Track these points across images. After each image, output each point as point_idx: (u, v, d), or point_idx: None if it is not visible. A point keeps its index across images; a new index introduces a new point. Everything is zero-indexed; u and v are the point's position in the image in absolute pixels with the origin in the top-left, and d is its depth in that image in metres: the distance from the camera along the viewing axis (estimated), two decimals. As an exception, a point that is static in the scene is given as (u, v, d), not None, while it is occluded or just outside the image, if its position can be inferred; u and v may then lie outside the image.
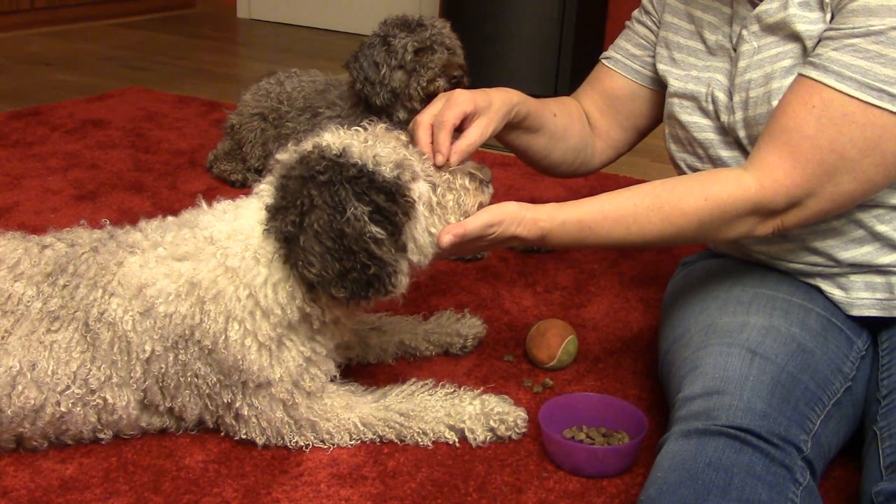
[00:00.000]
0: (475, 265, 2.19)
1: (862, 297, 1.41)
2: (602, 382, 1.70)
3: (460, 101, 1.39)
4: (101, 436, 1.44)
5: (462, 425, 1.48)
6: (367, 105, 2.29)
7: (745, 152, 1.42)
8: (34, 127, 3.07)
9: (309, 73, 2.60)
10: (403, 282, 1.36)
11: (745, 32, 1.40)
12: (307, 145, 1.37)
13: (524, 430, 1.51)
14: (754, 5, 1.40)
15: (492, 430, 1.48)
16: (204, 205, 1.45)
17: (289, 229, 1.30)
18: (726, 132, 1.44)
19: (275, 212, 1.33)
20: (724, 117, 1.43)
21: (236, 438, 1.46)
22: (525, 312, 1.97)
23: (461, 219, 1.39)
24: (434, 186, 1.38)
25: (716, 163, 1.46)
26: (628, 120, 1.68)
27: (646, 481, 1.19)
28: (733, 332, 1.33)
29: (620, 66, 1.66)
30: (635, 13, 1.66)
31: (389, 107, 2.27)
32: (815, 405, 1.26)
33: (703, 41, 1.49)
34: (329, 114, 2.35)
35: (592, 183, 2.81)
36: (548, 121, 1.59)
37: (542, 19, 3.84)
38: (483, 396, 1.52)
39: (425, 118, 1.41)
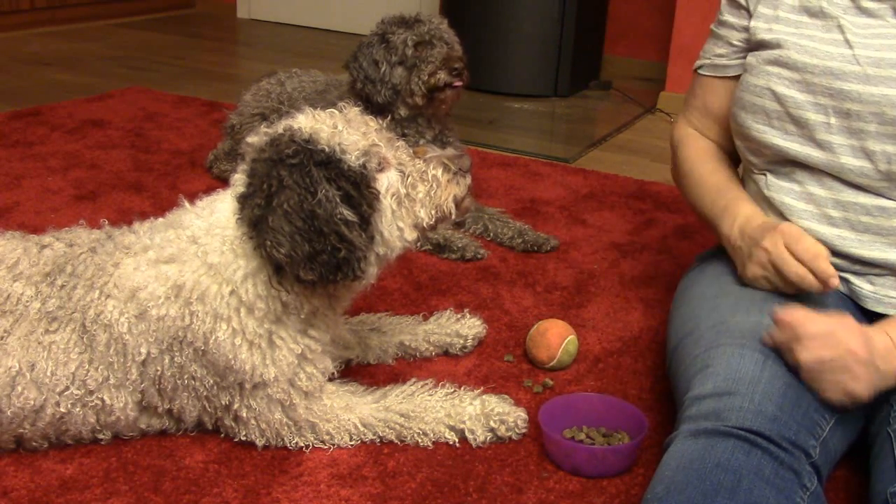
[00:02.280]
0: (475, 265, 2.19)
1: (891, 296, 1.40)
2: (602, 382, 1.70)
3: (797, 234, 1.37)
4: (101, 437, 1.44)
5: (462, 426, 1.48)
6: (367, 105, 2.29)
7: (854, 136, 1.37)
8: (34, 127, 3.07)
9: (309, 74, 2.60)
10: (371, 272, 1.36)
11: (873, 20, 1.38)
12: (279, 127, 1.36)
13: (524, 430, 1.51)
14: None
15: (492, 430, 1.48)
16: (186, 204, 1.45)
17: (255, 213, 1.29)
18: (829, 113, 1.39)
19: (244, 200, 1.32)
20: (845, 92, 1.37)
21: (236, 440, 1.46)
22: (525, 312, 1.97)
23: (432, 212, 1.38)
24: (404, 176, 1.36)
25: (809, 142, 1.41)
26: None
27: (652, 479, 1.19)
28: (746, 333, 1.32)
29: (711, 69, 1.61)
30: (718, 15, 1.61)
31: (391, 104, 2.28)
32: (824, 411, 1.26)
33: (806, 9, 1.45)
34: (329, 114, 2.35)
35: (592, 183, 2.81)
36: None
37: (542, 19, 3.85)
38: (483, 397, 1.52)
39: (789, 259, 1.35)
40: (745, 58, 1.53)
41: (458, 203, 1.42)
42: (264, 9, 5.45)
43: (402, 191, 1.36)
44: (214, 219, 1.37)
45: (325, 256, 1.28)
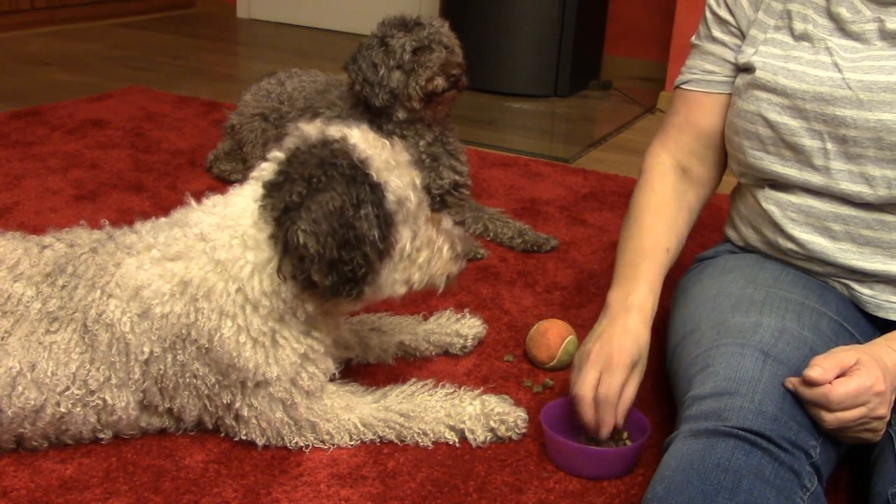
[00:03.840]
0: (475, 265, 2.19)
1: (892, 301, 1.40)
2: (602, 382, 1.70)
3: (619, 367, 1.38)
4: (101, 436, 1.44)
5: (462, 426, 1.48)
6: (366, 106, 2.29)
7: (852, 161, 1.35)
8: (34, 127, 3.07)
9: (309, 73, 2.60)
10: (357, 304, 1.39)
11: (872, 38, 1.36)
12: (334, 132, 1.36)
13: (524, 430, 1.51)
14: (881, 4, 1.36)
15: (492, 430, 1.49)
16: (193, 202, 1.45)
17: (294, 198, 1.29)
18: (825, 138, 1.37)
19: (280, 184, 1.32)
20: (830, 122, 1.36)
21: (236, 439, 1.46)
22: (525, 312, 1.97)
23: (424, 279, 1.42)
24: (414, 237, 1.39)
25: (806, 167, 1.40)
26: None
27: (652, 479, 1.19)
28: (746, 333, 1.31)
29: (704, 84, 1.56)
30: (701, 30, 1.59)
31: (388, 107, 2.27)
32: None
33: (791, 31, 1.43)
34: (329, 114, 2.35)
35: (592, 183, 2.81)
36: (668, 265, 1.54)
37: (542, 19, 3.85)
38: (483, 397, 1.52)
39: (587, 392, 1.38)
40: (737, 75, 1.51)
41: (448, 281, 1.46)
42: (264, 9, 5.45)
43: (408, 250, 1.39)
44: (228, 211, 1.38)
45: (347, 268, 1.29)
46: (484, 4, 3.88)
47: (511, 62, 3.93)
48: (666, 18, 3.95)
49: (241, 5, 5.54)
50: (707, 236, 2.24)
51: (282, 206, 1.30)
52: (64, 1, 4.86)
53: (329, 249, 1.27)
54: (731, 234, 1.62)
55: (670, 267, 1.55)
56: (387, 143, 1.39)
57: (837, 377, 1.19)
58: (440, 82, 2.22)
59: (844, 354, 1.21)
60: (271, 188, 1.33)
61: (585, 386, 1.39)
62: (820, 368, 1.19)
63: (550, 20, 3.84)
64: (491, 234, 2.34)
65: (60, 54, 4.28)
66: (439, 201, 2.37)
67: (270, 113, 2.51)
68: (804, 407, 1.23)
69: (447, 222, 1.48)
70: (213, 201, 1.43)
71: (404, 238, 1.37)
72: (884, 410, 1.19)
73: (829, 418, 1.19)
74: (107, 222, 1.54)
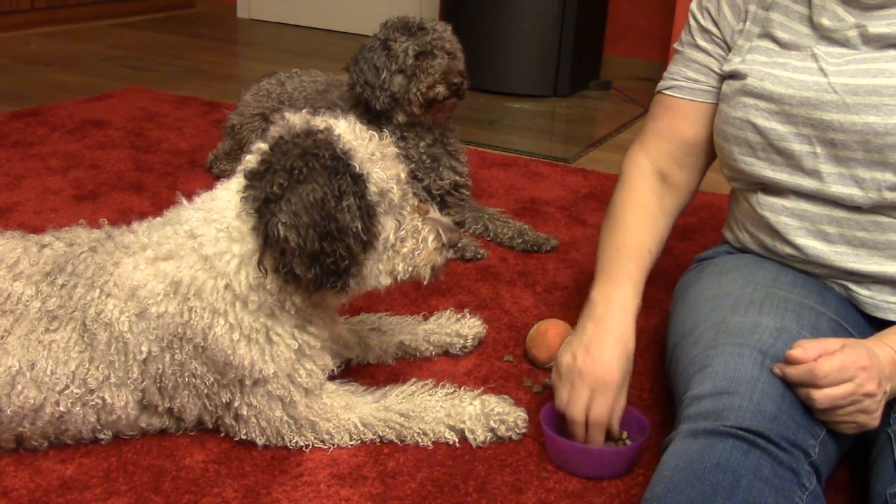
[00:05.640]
0: (475, 265, 2.19)
1: (889, 301, 1.40)
2: (602, 382, 1.70)
3: (611, 387, 1.38)
4: (101, 436, 1.44)
5: (462, 426, 1.48)
6: (366, 107, 2.29)
7: (842, 164, 1.36)
8: (34, 127, 3.07)
9: (310, 74, 2.60)
10: (342, 296, 1.39)
11: (854, 42, 1.36)
12: (319, 122, 1.36)
13: (524, 430, 1.51)
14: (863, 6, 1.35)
15: (492, 430, 1.49)
16: (184, 201, 1.45)
17: (274, 190, 1.29)
18: (813, 143, 1.37)
19: (257, 176, 1.32)
20: (820, 127, 1.36)
21: (236, 439, 1.46)
22: (525, 312, 1.97)
23: (408, 269, 1.41)
24: (398, 227, 1.39)
25: (797, 172, 1.40)
26: (708, 157, 1.60)
27: (651, 479, 1.19)
28: (745, 333, 1.32)
29: (687, 92, 1.56)
30: (684, 37, 1.58)
31: (389, 110, 2.27)
32: None
33: (775, 39, 1.44)
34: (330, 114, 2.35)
35: (593, 183, 2.81)
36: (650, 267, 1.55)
37: (542, 19, 3.85)
38: (483, 397, 1.52)
39: (580, 414, 1.39)
40: (721, 84, 1.51)
41: (434, 272, 1.45)
42: (264, 9, 5.46)
43: (392, 240, 1.38)
44: (213, 205, 1.38)
45: (329, 260, 1.28)
46: (484, 4, 3.88)
47: (511, 62, 3.93)
48: (665, 19, 3.95)
49: (241, 5, 5.54)
50: (707, 236, 2.24)
51: (262, 197, 1.30)
52: (64, 1, 4.86)
53: (310, 242, 1.27)
54: (728, 235, 1.62)
55: (651, 269, 1.55)
56: (374, 134, 1.38)
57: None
58: (441, 90, 2.22)
59: (829, 341, 1.23)
60: (252, 177, 1.33)
61: (577, 408, 1.39)
62: (801, 349, 1.21)
63: (550, 20, 3.85)
64: (491, 234, 2.34)
65: (60, 54, 4.29)
66: (439, 201, 2.37)
67: (271, 113, 2.50)
68: (798, 396, 1.23)
69: (434, 212, 1.47)
70: (203, 197, 1.43)
71: (388, 228, 1.37)
72: (872, 387, 1.19)
73: (819, 396, 1.20)
74: (106, 222, 1.54)
